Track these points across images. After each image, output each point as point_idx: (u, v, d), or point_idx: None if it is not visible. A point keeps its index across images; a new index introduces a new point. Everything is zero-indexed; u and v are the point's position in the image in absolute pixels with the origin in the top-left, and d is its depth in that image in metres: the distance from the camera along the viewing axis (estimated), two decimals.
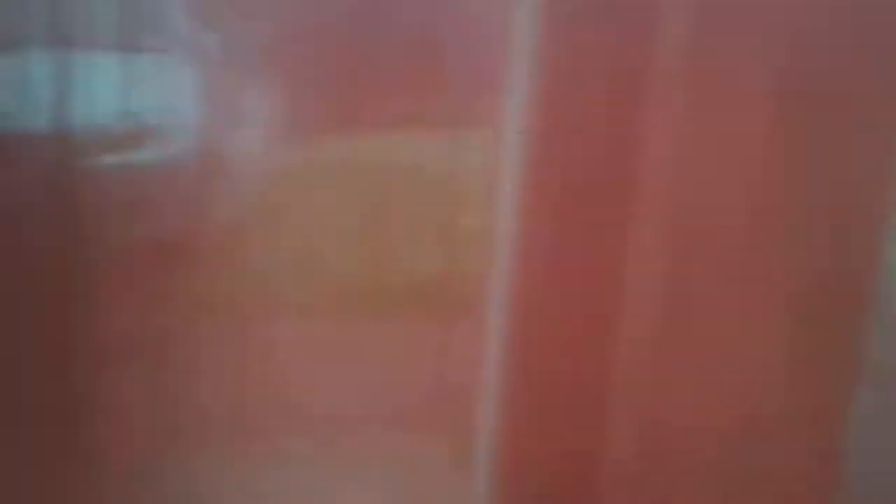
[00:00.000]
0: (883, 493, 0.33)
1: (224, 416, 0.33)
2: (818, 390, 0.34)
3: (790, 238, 0.34)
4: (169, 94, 0.32)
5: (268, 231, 0.32)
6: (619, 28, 0.31)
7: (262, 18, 0.31)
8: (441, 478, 0.33)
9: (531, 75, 0.31)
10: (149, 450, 0.33)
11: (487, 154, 0.33)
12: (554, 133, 0.32)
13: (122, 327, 0.32)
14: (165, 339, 0.32)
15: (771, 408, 0.34)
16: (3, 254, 0.32)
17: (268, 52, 0.32)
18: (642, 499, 0.34)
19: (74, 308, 0.32)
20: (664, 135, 0.32)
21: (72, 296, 0.32)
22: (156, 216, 0.31)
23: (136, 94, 0.31)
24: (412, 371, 0.34)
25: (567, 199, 0.33)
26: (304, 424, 0.33)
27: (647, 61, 0.31)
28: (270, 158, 0.32)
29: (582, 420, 0.34)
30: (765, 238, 0.34)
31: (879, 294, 0.33)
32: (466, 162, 0.33)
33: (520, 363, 0.33)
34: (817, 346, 0.34)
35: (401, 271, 0.32)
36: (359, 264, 0.32)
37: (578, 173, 0.32)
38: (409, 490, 0.32)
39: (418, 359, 0.34)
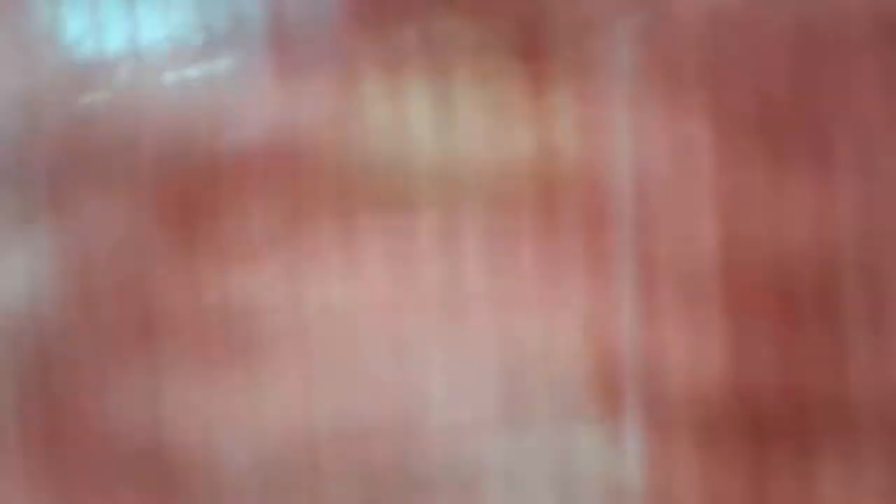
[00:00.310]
0: None
1: (355, 310, 0.34)
2: None
3: None
4: (237, 3, 0.32)
5: (359, 127, 0.32)
6: None
7: None
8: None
9: None
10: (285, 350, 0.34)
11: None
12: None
13: (213, 230, 0.33)
14: (276, 241, 0.33)
15: None
16: (92, 178, 0.33)
17: None
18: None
19: (170, 212, 0.33)
20: None
21: (168, 198, 0.33)
22: (243, 124, 0.32)
23: (206, 7, 0.32)
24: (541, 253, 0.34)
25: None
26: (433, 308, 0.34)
27: None
28: (350, 57, 0.32)
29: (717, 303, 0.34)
30: None
31: None
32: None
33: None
34: None
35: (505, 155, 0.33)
36: (457, 154, 0.32)
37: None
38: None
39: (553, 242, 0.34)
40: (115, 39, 0.31)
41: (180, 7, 0.31)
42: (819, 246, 0.33)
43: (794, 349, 0.33)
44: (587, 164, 0.33)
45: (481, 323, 0.33)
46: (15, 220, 0.33)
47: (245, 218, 0.32)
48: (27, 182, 0.33)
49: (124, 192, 0.32)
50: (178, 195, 0.32)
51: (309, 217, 0.32)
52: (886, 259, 0.32)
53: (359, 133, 0.31)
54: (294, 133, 0.32)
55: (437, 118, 0.32)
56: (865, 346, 0.33)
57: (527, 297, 0.33)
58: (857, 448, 0.33)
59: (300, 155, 0.32)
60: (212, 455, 0.33)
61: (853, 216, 0.32)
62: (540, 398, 0.33)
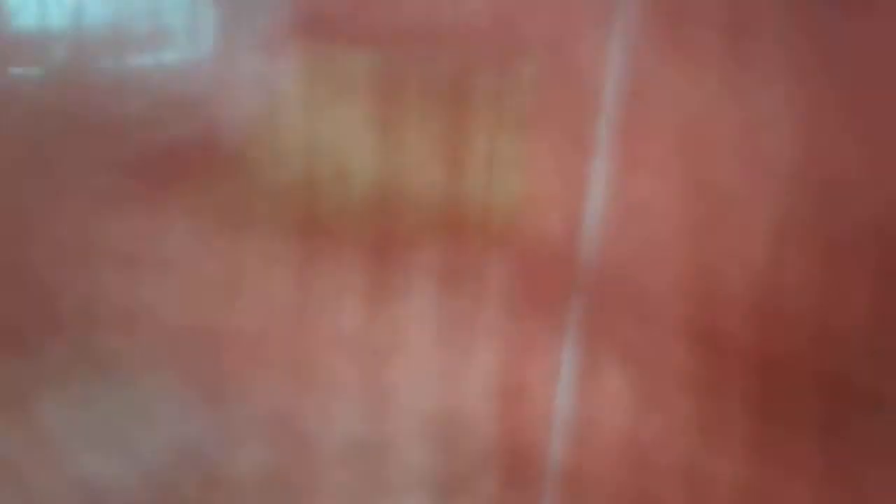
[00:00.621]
0: None
1: (249, 346, 0.32)
2: None
3: None
4: None
5: (290, 144, 0.30)
6: None
7: None
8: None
9: None
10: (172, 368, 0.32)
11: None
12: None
13: (140, 233, 0.31)
14: (188, 249, 0.31)
15: None
16: (22, 153, 0.31)
17: None
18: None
19: (92, 211, 0.31)
20: None
21: (92, 199, 0.31)
22: (177, 118, 0.30)
23: None
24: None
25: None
26: (338, 352, 0.32)
27: None
28: (288, 59, 0.30)
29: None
30: None
31: None
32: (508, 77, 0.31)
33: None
34: None
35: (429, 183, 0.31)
36: (385, 173, 0.30)
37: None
38: None
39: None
40: (56, 14, 0.30)
41: None
42: None
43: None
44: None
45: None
46: None
47: (169, 218, 0.30)
48: None
49: (35, 165, 0.31)
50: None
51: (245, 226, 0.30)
52: None
53: (299, 139, 0.29)
54: (231, 134, 0.30)
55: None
56: None
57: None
58: None
59: (232, 156, 0.30)
60: None
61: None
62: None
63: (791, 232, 0.29)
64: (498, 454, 0.31)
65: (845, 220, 0.29)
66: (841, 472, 0.31)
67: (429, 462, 0.32)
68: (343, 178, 0.30)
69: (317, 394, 0.31)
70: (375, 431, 0.31)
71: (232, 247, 0.30)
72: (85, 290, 0.30)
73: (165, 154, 0.30)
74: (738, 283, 0.30)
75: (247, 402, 0.31)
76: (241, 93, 0.30)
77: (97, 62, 0.30)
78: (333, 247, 0.31)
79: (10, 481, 0.32)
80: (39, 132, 0.30)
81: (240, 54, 0.30)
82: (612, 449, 0.31)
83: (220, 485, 0.32)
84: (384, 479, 0.32)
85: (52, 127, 0.30)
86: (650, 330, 0.30)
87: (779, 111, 0.29)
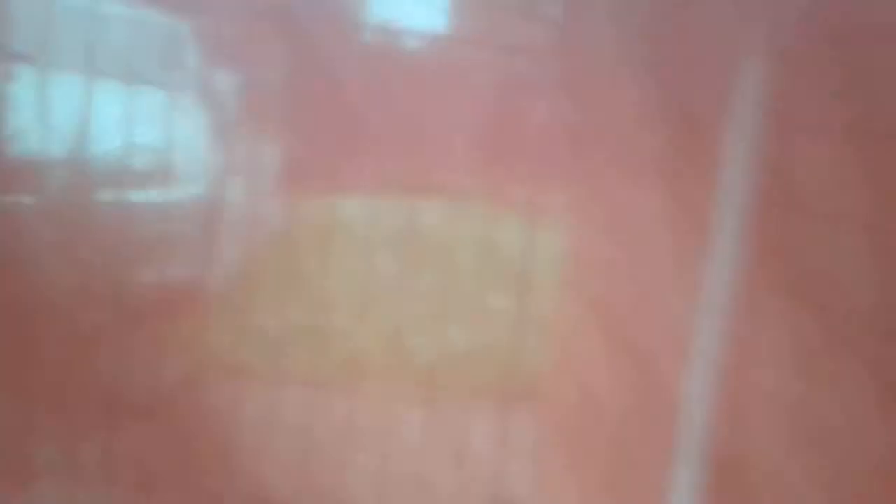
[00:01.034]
0: None
1: (233, 488, 0.30)
2: None
3: None
4: (185, 132, 0.30)
5: (279, 288, 0.29)
6: None
7: (280, 64, 0.29)
8: None
9: None
10: None
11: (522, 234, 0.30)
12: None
13: (125, 374, 0.30)
14: (169, 394, 0.30)
15: None
16: (13, 280, 0.30)
17: (285, 98, 0.30)
18: None
19: (79, 347, 0.30)
20: None
21: (77, 333, 0.30)
22: (166, 258, 0.30)
23: (152, 130, 0.30)
24: (447, 457, 0.31)
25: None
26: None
27: None
28: (285, 212, 0.29)
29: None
30: None
31: None
32: (497, 237, 0.30)
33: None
34: None
35: (427, 345, 0.30)
36: (378, 336, 0.29)
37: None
38: None
39: (450, 442, 0.31)
40: (58, 142, 0.29)
41: (128, 126, 0.29)
42: None
43: None
44: None
45: None
46: None
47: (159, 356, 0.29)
48: None
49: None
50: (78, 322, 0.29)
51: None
52: None
53: (282, 292, 0.29)
54: (219, 280, 0.29)
55: None
56: None
57: None
58: None
59: (214, 302, 0.29)
60: None
61: None
62: None
63: None
64: None
65: None
66: None
67: None
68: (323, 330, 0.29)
69: None
70: None
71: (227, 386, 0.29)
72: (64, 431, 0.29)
73: (158, 292, 0.29)
74: None
75: None
76: (240, 236, 0.29)
77: (97, 194, 0.29)
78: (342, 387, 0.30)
79: None
80: (33, 260, 0.29)
81: (239, 197, 0.29)
82: None
83: None
84: None
85: (46, 256, 0.29)
86: None
87: None
